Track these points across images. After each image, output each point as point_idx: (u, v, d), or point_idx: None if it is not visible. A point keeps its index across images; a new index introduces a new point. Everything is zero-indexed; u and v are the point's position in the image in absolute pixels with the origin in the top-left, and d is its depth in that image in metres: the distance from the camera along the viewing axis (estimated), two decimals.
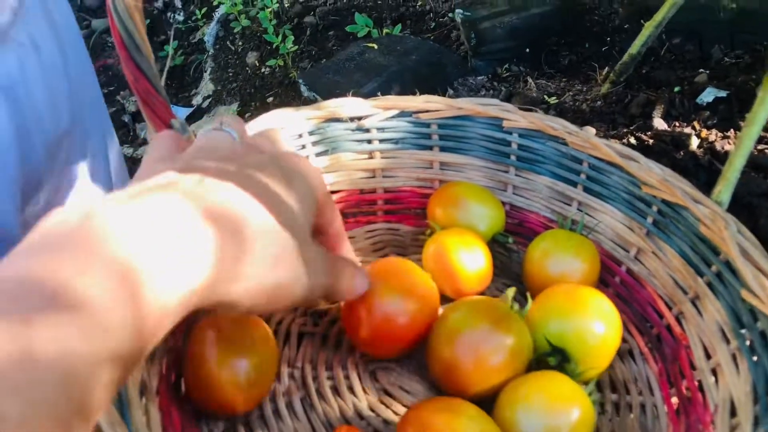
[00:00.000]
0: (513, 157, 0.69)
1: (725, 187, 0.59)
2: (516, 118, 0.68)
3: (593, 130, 1.00)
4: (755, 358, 0.50)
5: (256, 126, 0.62)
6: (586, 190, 0.67)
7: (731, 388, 0.51)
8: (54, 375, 0.23)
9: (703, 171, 0.85)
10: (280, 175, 0.40)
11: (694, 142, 0.91)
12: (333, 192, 0.70)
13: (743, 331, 0.52)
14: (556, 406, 0.47)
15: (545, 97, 1.12)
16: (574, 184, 0.67)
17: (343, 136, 0.68)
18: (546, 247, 0.62)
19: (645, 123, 0.97)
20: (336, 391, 0.55)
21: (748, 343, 0.51)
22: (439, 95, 0.71)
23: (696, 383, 0.55)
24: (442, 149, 0.71)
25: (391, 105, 0.68)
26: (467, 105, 0.68)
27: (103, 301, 0.26)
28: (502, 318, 0.51)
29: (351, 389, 0.55)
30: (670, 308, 0.60)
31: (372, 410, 0.54)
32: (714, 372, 0.53)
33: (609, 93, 1.07)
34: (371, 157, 0.70)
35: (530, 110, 0.68)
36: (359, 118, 0.68)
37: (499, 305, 0.53)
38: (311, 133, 0.67)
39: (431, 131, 0.70)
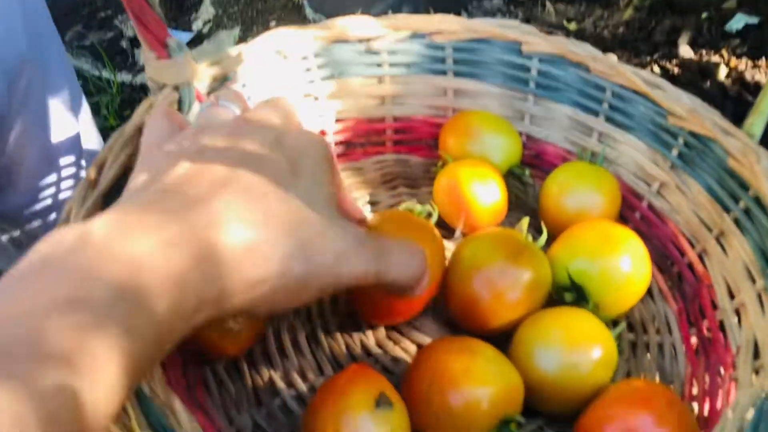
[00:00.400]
0: (532, 84, 0.65)
1: (758, 119, 0.55)
2: (537, 41, 0.63)
3: (615, 59, 0.96)
4: None
5: (256, 47, 0.58)
6: (609, 120, 0.63)
7: (755, 329, 0.48)
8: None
9: (731, 102, 0.81)
10: (287, 157, 0.36)
11: (722, 72, 0.86)
12: (339, 120, 0.66)
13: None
14: (575, 344, 0.45)
15: (564, 22, 1.07)
16: (595, 113, 0.63)
17: (352, 59, 0.64)
18: (564, 180, 0.59)
19: (670, 51, 0.92)
20: (341, 327, 0.53)
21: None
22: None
23: (717, 323, 0.52)
24: (457, 74, 0.66)
25: (404, 25, 0.64)
26: (485, 27, 0.64)
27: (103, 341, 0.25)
28: (520, 251, 0.49)
29: (357, 326, 0.53)
30: (692, 245, 0.57)
31: (380, 347, 0.52)
32: (737, 312, 0.51)
33: (632, 19, 1.02)
34: (381, 83, 0.66)
35: (551, 34, 0.64)
36: (368, 40, 0.64)
37: (516, 237, 0.51)
38: (317, 56, 0.63)
39: (445, 55, 0.66)
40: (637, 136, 0.61)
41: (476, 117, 0.63)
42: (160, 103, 0.48)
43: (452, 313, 0.52)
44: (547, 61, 0.64)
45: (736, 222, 0.53)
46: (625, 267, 0.51)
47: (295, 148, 0.37)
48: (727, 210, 0.54)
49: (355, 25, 0.63)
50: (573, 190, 0.58)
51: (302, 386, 0.49)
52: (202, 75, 0.54)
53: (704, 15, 0.99)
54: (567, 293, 0.52)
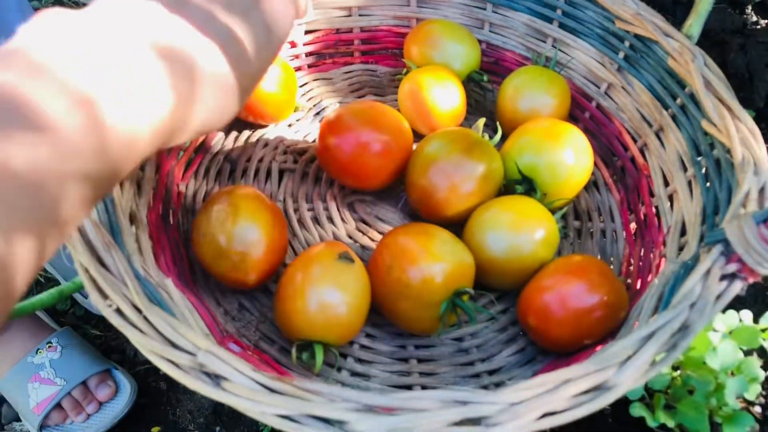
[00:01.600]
0: None
1: (695, 21, 0.59)
2: None
3: None
4: (708, 184, 0.53)
5: None
6: (562, 26, 0.67)
7: (684, 211, 0.54)
8: (27, 186, 0.26)
9: (681, 8, 0.84)
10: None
11: None
12: (309, 32, 0.70)
13: (700, 158, 0.55)
14: (520, 226, 0.51)
15: None
16: (549, 20, 0.67)
17: None
18: (518, 83, 0.64)
19: None
20: (316, 221, 0.59)
21: (703, 170, 0.54)
22: None
23: (654, 209, 0.58)
24: None
25: None
26: None
27: (71, 124, 0.28)
28: (473, 146, 0.54)
29: (330, 219, 0.59)
30: (635, 141, 0.62)
31: (350, 237, 0.58)
32: (670, 198, 0.57)
33: None
34: None
35: None
36: None
37: (470, 134, 0.56)
38: None
39: None
40: (588, 41, 0.65)
41: (437, 26, 0.67)
42: None
43: (413, 204, 0.57)
44: None
45: (674, 118, 0.59)
46: (568, 159, 0.56)
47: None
48: (666, 107, 0.59)
49: None
50: (526, 93, 0.63)
51: (280, 271, 0.55)
52: None
53: None
54: (518, 185, 0.57)
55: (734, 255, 0.42)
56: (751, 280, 0.43)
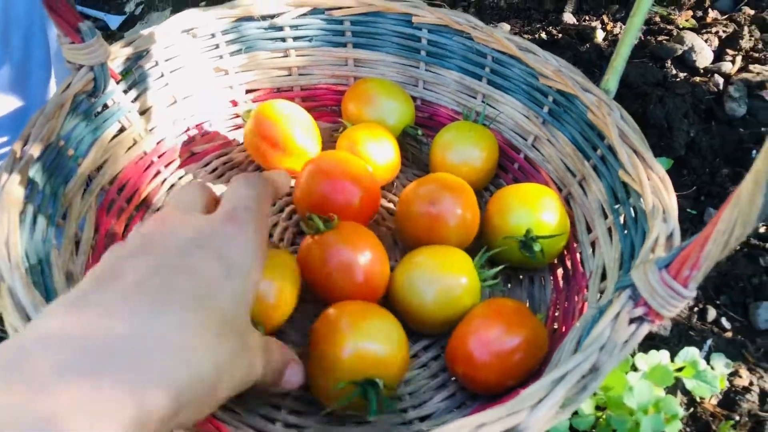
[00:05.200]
0: (423, 53, 0.72)
1: (612, 76, 0.63)
2: (424, 13, 0.70)
3: (507, 28, 1.03)
4: (625, 231, 0.56)
5: (166, 27, 0.63)
6: (490, 83, 0.71)
7: (605, 257, 0.57)
8: None
9: (606, 62, 0.89)
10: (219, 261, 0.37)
11: (600, 35, 0.95)
12: (249, 91, 0.72)
13: (618, 206, 0.58)
14: (446, 271, 0.54)
15: None
16: (479, 77, 0.71)
17: (257, 35, 0.70)
18: (449, 138, 0.67)
19: (557, 18, 1.00)
20: None
21: (621, 218, 0.57)
22: None
23: (578, 255, 0.61)
24: (356, 46, 0.73)
25: (303, 2, 0.70)
26: (377, 1, 0.71)
27: None
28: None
29: None
30: (560, 190, 0.66)
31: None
32: (593, 244, 0.60)
33: None
34: (286, 56, 0.72)
35: (438, 6, 0.71)
36: (272, 17, 0.70)
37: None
38: (224, 33, 0.68)
39: (344, 28, 0.72)
40: (515, 96, 0.69)
41: (372, 84, 0.70)
42: (75, 84, 0.54)
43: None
44: (434, 31, 0.71)
45: (594, 168, 0.62)
46: (551, 219, 0.59)
47: (226, 256, 0.38)
48: (587, 158, 0.63)
49: (259, 3, 0.68)
50: (456, 147, 0.66)
51: None
52: (116, 55, 0.60)
53: None
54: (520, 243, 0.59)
55: (641, 299, 0.44)
56: (657, 323, 0.45)
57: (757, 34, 0.96)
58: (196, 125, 0.69)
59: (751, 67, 0.91)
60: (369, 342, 0.47)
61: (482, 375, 0.50)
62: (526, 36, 0.97)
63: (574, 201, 0.64)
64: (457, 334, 0.51)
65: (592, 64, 0.89)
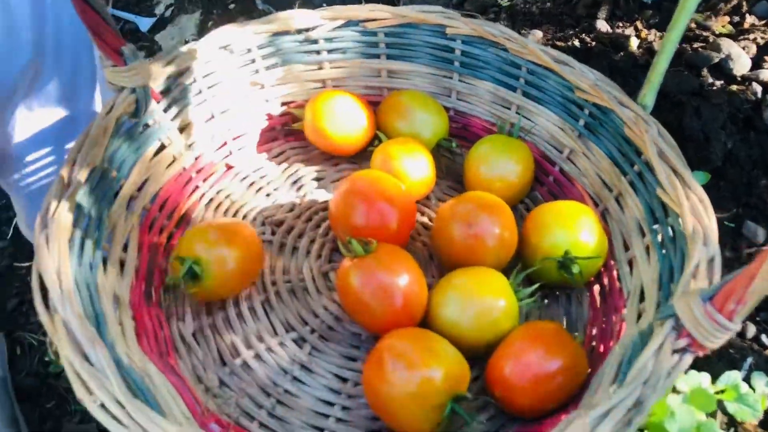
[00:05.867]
0: (456, 63, 0.72)
1: (649, 91, 0.62)
2: (458, 24, 0.70)
3: (540, 35, 1.02)
4: (663, 251, 0.56)
5: (204, 44, 0.64)
6: (525, 94, 0.70)
7: (642, 276, 0.57)
8: None
9: (641, 71, 0.88)
10: None
11: (634, 43, 0.94)
12: (284, 104, 0.73)
13: (656, 226, 0.58)
14: (483, 295, 0.55)
15: None
16: (513, 88, 0.71)
17: (293, 49, 0.70)
18: (484, 151, 0.67)
19: (589, 25, 0.99)
20: (293, 293, 0.61)
21: (659, 237, 0.57)
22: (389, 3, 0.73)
23: (615, 273, 0.61)
24: (389, 57, 0.73)
25: (338, 15, 0.70)
26: (411, 13, 0.70)
27: None
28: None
29: (306, 290, 0.61)
30: (597, 205, 0.65)
31: (325, 308, 0.60)
32: (630, 263, 0.60)
33: None
34: (321, 68, 0.72)
35: (473, 17, 0.70)
36: (307, 30, 0.70)
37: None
38: (260, 47, 0.68)
39: (378, 40, 0.72)
40: (550, 108, 0.69)
41: (406, 97, 0.70)
42: (118, 106, 0.55)
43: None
44: (468, 42, 0.71)
45: (631, 184, 0.62)
46: (590, 239, 0.59)
47: None
48: (624, 173, 0.63)
49: (294, 17, 0.68)
50: (491, 160, 0.66)
51: (260, 347, 0.57)
52: (157, 74, 0.60)
53: None
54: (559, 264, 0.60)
55: (684, 330, 0.44)
56: (700, 353, 0.46)
57: None
58: (234, 138, 0.70)
59: None
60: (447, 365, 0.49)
61: (520, 399, 0.50)
62: (559, 43, 0.96)
63: (610, 217, 0.64)
64: (495, 358, 0.52)
65: (628, 73, 0.88)
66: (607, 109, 0.64)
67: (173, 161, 0.64)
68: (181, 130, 0.64)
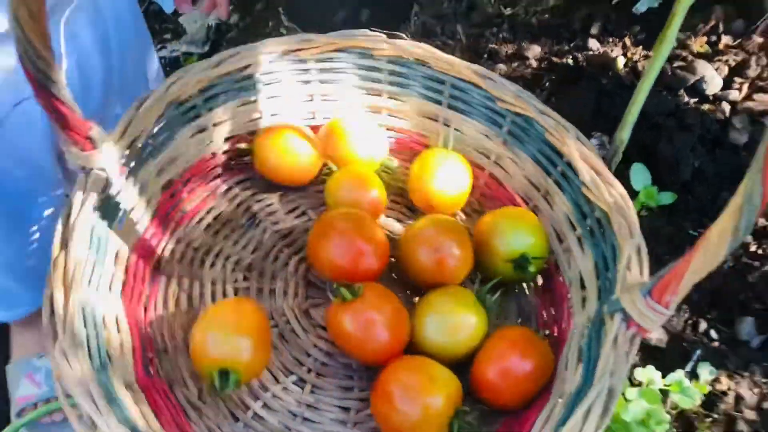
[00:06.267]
0: (385, 83, 0.77)
1: (625, 128, 0.66)
2: (383, 46, 0.74)
3: (538, 50, 1.11)
4: (594, 242, 0.65)
5: (160, 99, 0.64)
6: (451, 107, 0.76)
7: (579, 265, 0.67)
8: None
9: (626, 91, 0.98)
10: None
11: (621, 63, 1.05)
12: (228, 138, 0.75)
13: (587, 220, 0.66)
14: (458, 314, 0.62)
15: (501, 8, 1.18)
16: (439, 102, 0.77)
17: (233, 87, 0.72)
18: (426, 165, 0.73)
19: (583, 43, 1.08)
20: (282, 337, 0.66)
21: (589, 229, 0.66)
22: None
23: (554, 263, 0.70)
24: (322, 82, 0.77)
25: (273, 49, 0.72)
26: (339, 39, 0.74)
27: None
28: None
29: (293, 332, 0.66)
30: (527, 203, 0.74)
31: (315, 346, 0.65)
32: (567, 255, 0.69)
33: (556, 5, 1.15)
34: (257, 102, 0.75)
35: (398, 37, 0.75)
36: (246, 68, 0.72)
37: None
38: (202, 91, 0.69)
39: (309, 67, 0.75)
40: (475, 119, 0.75)
41: (345, 122, 0.75)
42: (90, 191, 0.56)
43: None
44: (395, 62, 0.75)
45: (557, 183, 0.70)
46: (540, 240, 0.68)
47: None
48: (548, 174, 0.71)
49: (236, 57, 0.71)
50: (436, 174, 0.72)
51: (266, 396, 0.62)
52: (119, 153, 0.60)
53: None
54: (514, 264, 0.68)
55: (632, 321, 0.54)
56: (645, 336, 0.55)
57: (764, 61, 1.04)
58: (184, 183, 0.72)
59: (755, 96, 1.00)
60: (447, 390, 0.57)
61: (504, 397, 0.60)
62: (555, 59, 1.04)
63: (541, 213, 0.72)
64: (479, 366, 0.60)
65: (615, 94, 0.97)
66: (528, 117, 0.71)
67: (136, 223, 0.65)
68: (140, 191, 0.65)
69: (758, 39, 1.09)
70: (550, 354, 0.61)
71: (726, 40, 1.11)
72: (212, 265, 0.69)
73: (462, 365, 0.62)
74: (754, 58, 1.07)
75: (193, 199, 0.73)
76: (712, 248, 0.46)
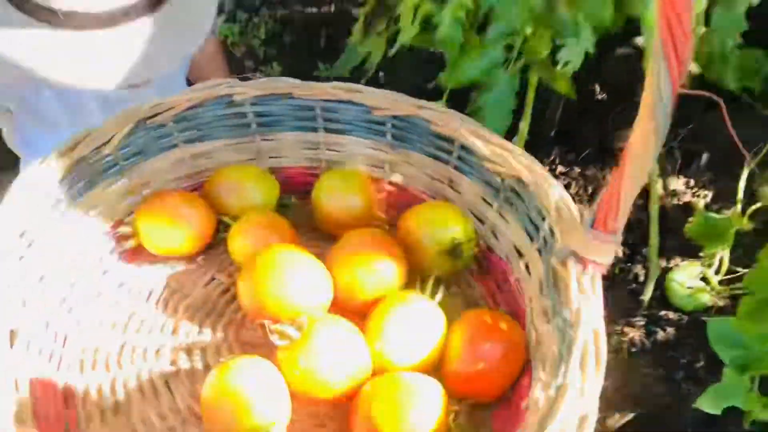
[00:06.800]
0: (254, 125, 0.73)
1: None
2: (244, 90, 0.70)
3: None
4: (515, 209, 0.64)
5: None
6: (327, 130, 0.74)
7: (510, 237, 0.65)
8: None
9: None
10: None
11: None
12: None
13: (499, 193, 0.66)
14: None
15: None
16: (315, 129, 0.74)
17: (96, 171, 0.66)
18: (324, 191, 0.70)
19: None
20: None
21: (505, 199, 0.65)
22: None
23: (486, 247, 0.68)
24: (186, 142, 0.72)
25: (125, 120, 0.66)
26: (196, 93, 0.69)
27: None
28: None
29: None
30: (434, 198, 0.72)
31: None
32: (492, 231, 0.67)
33: None
34: (123, 176, 0.68)
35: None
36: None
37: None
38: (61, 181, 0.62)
39: (172, 129, 0.70)
40: (356, 135, 0.73)
41: (232, 172, 0.71)
42: None
43: None
44: (259, 103, 0.72)
45: (457, 168, 0.69)
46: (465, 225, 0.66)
47: None
48: (446, 162, 0.70)
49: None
50: (336, 198, 0.70)
51: None
52: None
53: None
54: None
55: (585, 260, 0.52)
56: (603, 271, 0.54)
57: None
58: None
59: None
60: None
61: (488, 389, 0.57)
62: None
63: (453, 203, 0.70)
64: (453, 367, 0.57)
65: None
66: (409, 116, 0.70)
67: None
68: None
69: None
70: (519, 327, 0.59)
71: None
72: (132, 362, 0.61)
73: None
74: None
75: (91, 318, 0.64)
76: (640, 155, 0.46)
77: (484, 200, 0.68)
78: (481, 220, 0.69)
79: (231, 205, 0.69)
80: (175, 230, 0.66)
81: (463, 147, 0.68)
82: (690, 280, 0.93)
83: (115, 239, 0.68)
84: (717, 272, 0.79)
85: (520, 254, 0.64)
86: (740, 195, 0.84)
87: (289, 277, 0.58)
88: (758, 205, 0.82)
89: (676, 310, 0.97)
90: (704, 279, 0.79)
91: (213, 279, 0.68)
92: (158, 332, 0.63)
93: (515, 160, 0.63)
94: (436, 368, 0.58)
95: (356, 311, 0.61)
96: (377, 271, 0.61)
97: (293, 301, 0.57)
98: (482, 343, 0.57)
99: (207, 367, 0.60)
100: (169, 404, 0.58)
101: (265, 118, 0.73)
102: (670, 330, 0.97)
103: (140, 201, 0.68)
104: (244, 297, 0.60)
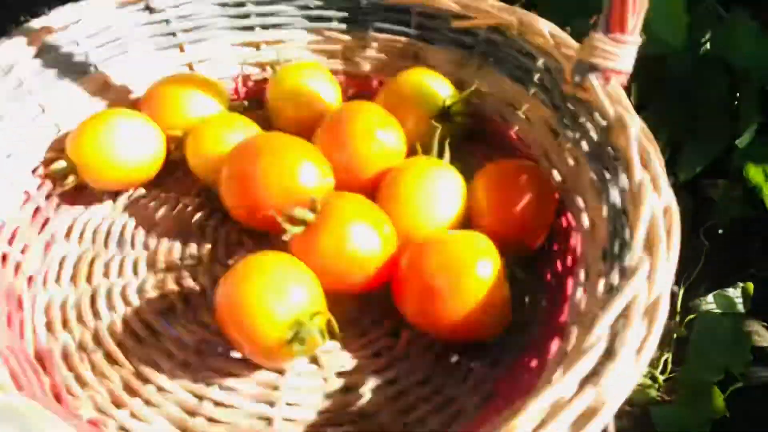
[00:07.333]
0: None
1: None
2: None
3: None
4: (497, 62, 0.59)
5: None
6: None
7: (499, 95, 0.59)
8: None
9: None
10: None
11: None
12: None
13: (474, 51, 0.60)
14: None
15: None
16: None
17: None
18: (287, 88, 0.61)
19: None
20: None
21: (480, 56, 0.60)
22: None
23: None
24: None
25: None
26: None
27: None
28: None
29: None
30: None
31: None
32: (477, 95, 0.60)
33: None
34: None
35: None
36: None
37: None
38: None
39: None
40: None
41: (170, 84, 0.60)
42: None
43: None
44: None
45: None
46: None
47: None
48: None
49: None
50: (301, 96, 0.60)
51: None
52: None
53: None
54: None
55: (606, 71, 0.47)
56: (624, 81, 0.49)
57: None
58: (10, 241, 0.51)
59: None
60: None
61: (522, 234, 0.50)
62: None
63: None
64: (481, 224, 0.50)
65: None
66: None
67: None
68: None
69: None
70: (538, 167, 0.53)
71: None
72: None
73: None
74: None
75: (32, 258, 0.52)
76: None
77: (458, 64, 0.62)
78: (461, 88, 0.61)
79: (175, 123, 0.58)
80: (121, 154, 0.54)
81: (421, 14, 0.61)
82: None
83: (51, 180, 0.56)
84: (662, 372, 0.90)
85: (515, 107, 0.58)
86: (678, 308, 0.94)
87: (290, 161, 0.49)
88: (692, 315, 0.93)
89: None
90: (652, 377, 0.90)
91: (179, 203, 0.57)
92: (130, 273, 0.52)
93: (490, 8, 0.58)
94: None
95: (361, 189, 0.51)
96: (379, 141, 0.53)
97: (299, 185, 0.48)
98: (507, 190, 0.50)
99: (203, 293, 0.50)
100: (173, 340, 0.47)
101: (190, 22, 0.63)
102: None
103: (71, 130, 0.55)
104: (235, 197, 0.50)
